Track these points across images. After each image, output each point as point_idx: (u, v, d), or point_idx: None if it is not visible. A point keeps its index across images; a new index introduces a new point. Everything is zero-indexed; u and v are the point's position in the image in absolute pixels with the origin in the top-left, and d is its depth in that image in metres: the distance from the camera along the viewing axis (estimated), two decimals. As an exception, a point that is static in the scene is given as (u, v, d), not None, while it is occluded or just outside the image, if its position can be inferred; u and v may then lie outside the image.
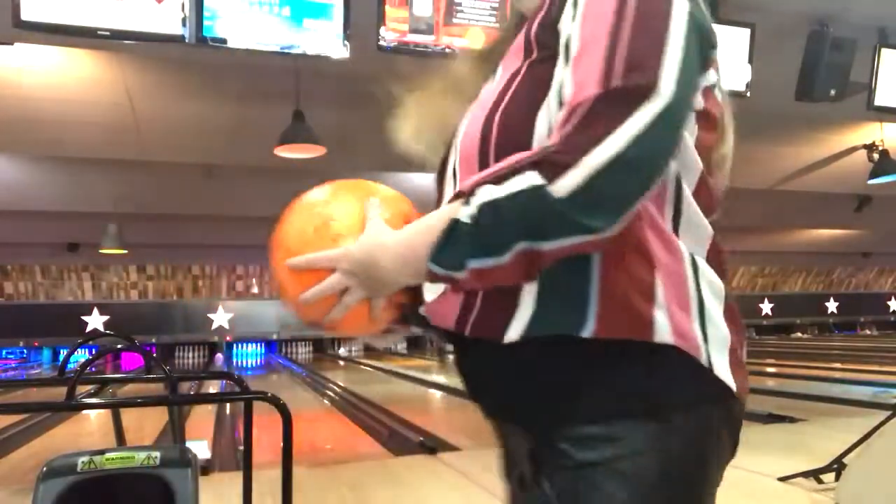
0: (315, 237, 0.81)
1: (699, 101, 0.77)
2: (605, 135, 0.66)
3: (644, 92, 0.67)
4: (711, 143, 0.81)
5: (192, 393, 5.57)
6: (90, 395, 3.68)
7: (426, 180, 0.97)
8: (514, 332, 0.74)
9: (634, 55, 0.68)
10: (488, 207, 0.69)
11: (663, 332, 0.71)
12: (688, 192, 0.77)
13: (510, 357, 0.75)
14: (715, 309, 0.75)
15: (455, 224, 0.70)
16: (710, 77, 0.79)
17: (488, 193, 0.69)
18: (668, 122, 0.68)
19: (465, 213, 0.70)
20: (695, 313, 0.73)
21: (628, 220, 0.69)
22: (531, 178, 0.67)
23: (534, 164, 0.68)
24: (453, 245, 0.70)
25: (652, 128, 0.66)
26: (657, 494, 0.70)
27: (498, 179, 0.69)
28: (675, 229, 0.76)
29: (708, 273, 0.76)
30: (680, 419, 0.71)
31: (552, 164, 0.67)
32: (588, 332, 0.71)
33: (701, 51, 0.74)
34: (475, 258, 0.70)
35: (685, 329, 0.72)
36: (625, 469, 0.70)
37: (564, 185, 0.66)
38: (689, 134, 0.76)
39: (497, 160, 0.74)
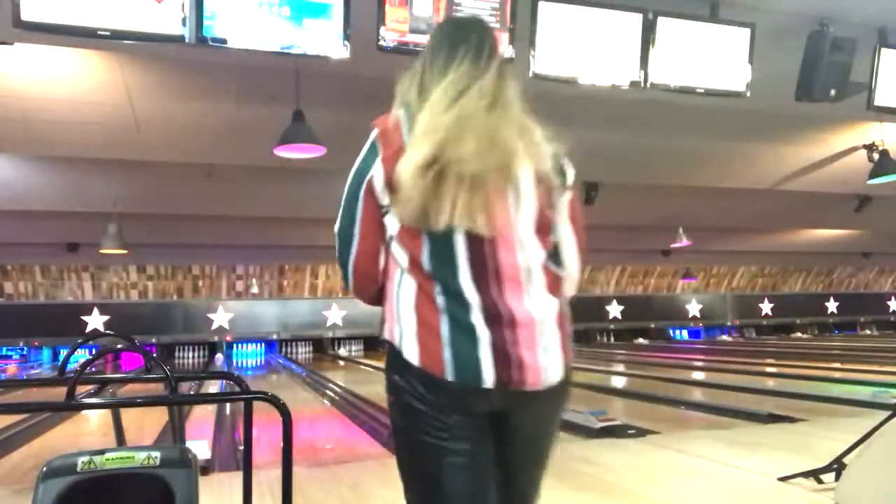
0: None
1: (385, 200, 1.39)
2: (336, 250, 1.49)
3: (335, 231, 1.47)
4: (412, 221, 1.36)
5: (192, 393, 5.57)
6: (90, 395, 3.68)
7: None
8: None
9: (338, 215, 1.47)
10: None
11: (386, 333, 1.42)
12: (394, 246, 1.40)
13: None
14: (402, 315, 1.37)
15: None
16: (378, 182, 1.38)
17: None
18: (340, 242, 1.46)
19: None
20: (396, 320, 1.39)
21: (362, 282, 1.46)
22: None
23: None
24: None
25: (338, 246, 1.47)
26: (392, 415, 1.46)
27: None
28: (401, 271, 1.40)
29: (402, 295, 1.38)
30: (392, 379, 1.42)
31: None
32: (384, 337, 1.43)
33: (357, 188, 1.41)
34: None
35: (392, 329, 1.40)
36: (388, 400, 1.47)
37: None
38: (391, 216, 1.40)
39: None
